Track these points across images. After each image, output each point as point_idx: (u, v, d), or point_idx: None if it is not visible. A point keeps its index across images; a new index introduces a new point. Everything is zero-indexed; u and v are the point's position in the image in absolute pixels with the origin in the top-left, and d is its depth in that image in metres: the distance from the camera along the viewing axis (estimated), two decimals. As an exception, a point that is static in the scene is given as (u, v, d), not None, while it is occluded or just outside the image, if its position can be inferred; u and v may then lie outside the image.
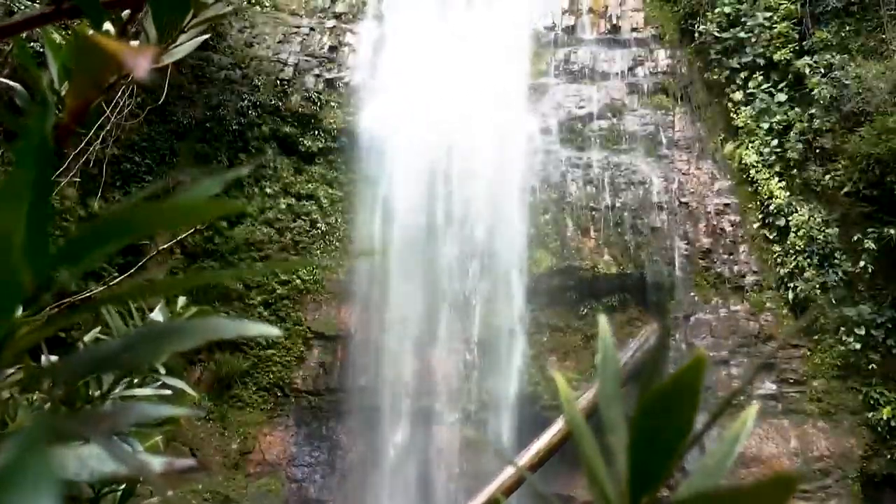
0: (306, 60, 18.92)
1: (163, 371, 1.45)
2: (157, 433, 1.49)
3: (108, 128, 14.22)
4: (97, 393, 1.32)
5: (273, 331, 0.58)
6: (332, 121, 18.39)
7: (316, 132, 18.25)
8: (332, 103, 18.65)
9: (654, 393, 0.65)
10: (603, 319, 0.86)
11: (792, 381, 15.72)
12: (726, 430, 0.76)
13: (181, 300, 1.49)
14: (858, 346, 15.08)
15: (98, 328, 1.44)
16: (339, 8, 20.26)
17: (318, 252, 17.33)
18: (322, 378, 16.50)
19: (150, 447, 1.77)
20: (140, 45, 1.25)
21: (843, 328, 15.36)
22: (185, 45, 1.24)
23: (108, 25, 1.30)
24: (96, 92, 0.51)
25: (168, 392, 1.47)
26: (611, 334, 0.83)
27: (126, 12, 1.28)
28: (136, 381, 1.46)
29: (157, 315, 1.44)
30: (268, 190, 17.55)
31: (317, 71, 18.88)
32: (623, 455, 0.67)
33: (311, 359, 16.65)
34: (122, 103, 14.62)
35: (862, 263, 15.35)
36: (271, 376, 16.30)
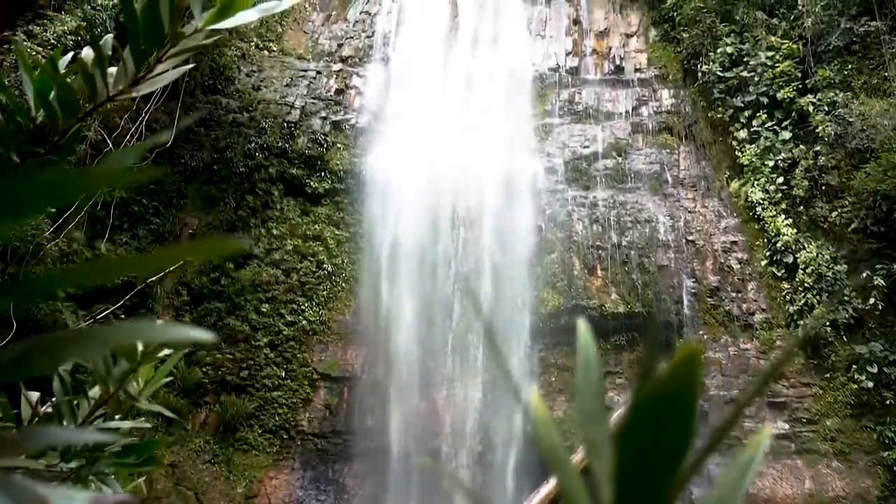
0: (313, 103, 19.13)
1: (145, 405, 1.41)
2: (133, 471, 1.44)
3: (116, 170, 14.33)
4: (73, 424, 1.28)
5: (204, 335, 0.54)
6: (338, 162, 18.51)
7: (322, 174, 18.37)
8: (339, 145, 18.80)
9: (640, 402, 0.53)
10: (582, 324, 0.73)
11: (804, 420, 15.48)
12: (736, 457, 0.64)
13: (158, 323, 1.44)
14: (871, 384, 14.86)
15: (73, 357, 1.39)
16: (346, 52, 20.57)
17: (325, 293, 17.30)
18: (328, 420, 16.34)
19: (133, 488, 1.71)
20: (117, 73, 1.24)
21: (854, 366, 15.16)
22: (164, 75, 1.23)
23: (87, 51, 1.30)
24: None
25: (147, 426, 1.42)
26: (593, 342, 0.70)
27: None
28: (117, 415, 1.41)
29: None
30: (274, 231, 17.61)
31: (323, 113, 19.08)
32: (608, 484, 0.56)
33: (317, 400, 16.51)
34: (129, 146, 14.76)
35: (872, 301, 15.21)
36: (277, 418, 16.15)
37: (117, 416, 1.45)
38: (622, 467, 0.54)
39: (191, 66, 1.40)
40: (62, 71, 1.32)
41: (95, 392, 1.36)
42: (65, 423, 1.28)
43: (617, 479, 0.55)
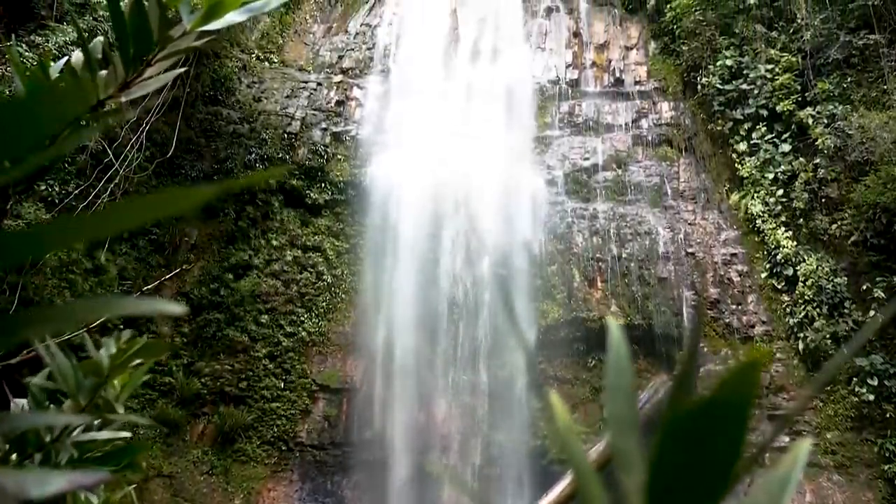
0: (313, 114, 19.18)
1: (121, 410, 1.38)
2: (122, 480, 1.43)
3: (116, 180, 14.37)
4: (48, 438, 1.26)
5: (175, 308, 0.53)
6: (338, 173, 18.55)
7: (322, 185, 18.40)
8: (339, 156, 18.83)
9: (684, 413, 0.47)
10: (613, 323, 0.67)
11: (805, 433, 15.41)
12: (771, 473, 0.57)
13: (126, 333, 1.42)
14: (872, 396, 14.81)
15: (47, 369, 1.38)
16: (347, 63, 20.64)
17: (324, 304, 17.28)
18: (327, 431, 16.28)
19: (123, 497, 1.70)
20: (107, 77, 1.24)
21: (855, 378, 15.11)
22: (154, 79, 1.22)
23: (77, 55, 1.29)
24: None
25: (128, 435, 1.40)
26: (625, 341, 0.64)
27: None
28: (95, 423, 1.39)
29: (104, 352, 1.38)
30: (274, 242, 17.61)
31: (324, 124, 19.13)
32: (637, 500, 0.51)
33: (316, 412, 16.46)
34: (130, 156, 14.80)
35: (872, 313, 15.17)
36: (275, 430, 16.09)
37: (96, 425, 1.42)
38: (656, 484, 0.49)
39: (181, 70, 1.40)
40: (54, 76, 1.32)
41: (69, 405, 1.34)
42: (41, 433, 1.27)
43: (649, 496, 0.49)
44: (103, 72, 1.22)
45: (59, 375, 1.25)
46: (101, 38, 1.30)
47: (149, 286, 2.98)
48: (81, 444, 1.31)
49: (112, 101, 1.22)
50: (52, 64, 1.31)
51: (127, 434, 1.39)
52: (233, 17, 1.11)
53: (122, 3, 1.17)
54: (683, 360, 0.56)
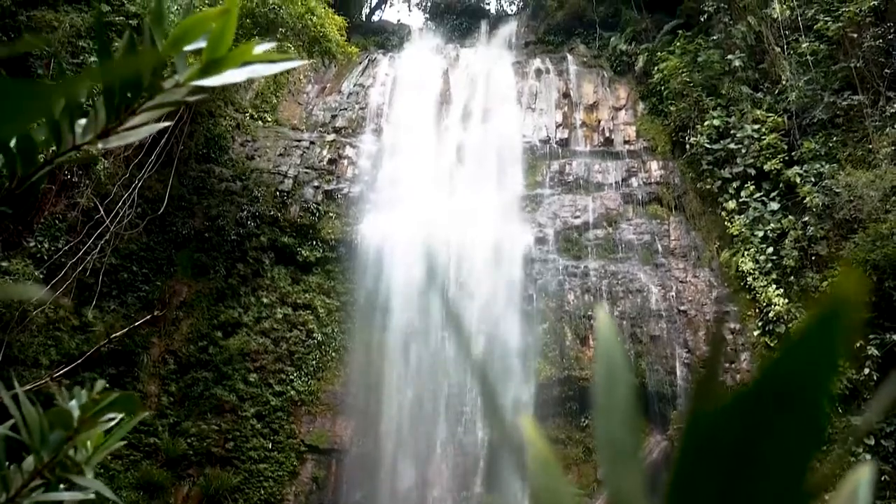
0: (306, 172, 19.28)
1: (90, 475, 1.29)
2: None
3: (106, 237, 14.32)
4: (3, 497, 1.17)
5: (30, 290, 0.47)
6: (329, 231, 18.55)
7: (314, 242, 18.38)
8: (331, 214, 18.87)
9: (721, 409, 0.32)
10: (603, 316, 0.55)
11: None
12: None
13: (99, 384, 1.35)
14: (868, 456, 14.60)
15: (11, 421, 1.29)
16: (340, 122, 20.89)
17: (314, 363, 17.08)
18: (315, 494, 15.91)
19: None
20: (87, 122, 1.20)
21: (851, 438, 14.91)
22: (136, 130, 1.17)
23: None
24: None
25: (91, 497, 1.30)
26: (617, 340, 0.52)
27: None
28: (61, 486, 1.29)
29: (74, 402, 1.29)
30: (264, 299, 17.49)
31: (316, 183, 19.21)
32: None
33: (304, 474, 16.10)
34: (122, 213, 14.78)
35: (866, 371, 15.08)
36: (262, 492, 15.70)
37: (62, 487, 1.32)
38: None
39: (166, 125, 1.35)
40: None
41: (30, 463, 1.24)
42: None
43: None
44: (82, 120, 1.18)
45: (24, 426, 1.16)
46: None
47: (118, 333, 2.90)
48: (42, 504, 1.22)
49: (88, 147, 1.17)
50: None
51: (92, 496, 1.29)
52: (231, 75, 1.06)
53: (113, 46, 1.13)
54: (708, 357, 0.43)
